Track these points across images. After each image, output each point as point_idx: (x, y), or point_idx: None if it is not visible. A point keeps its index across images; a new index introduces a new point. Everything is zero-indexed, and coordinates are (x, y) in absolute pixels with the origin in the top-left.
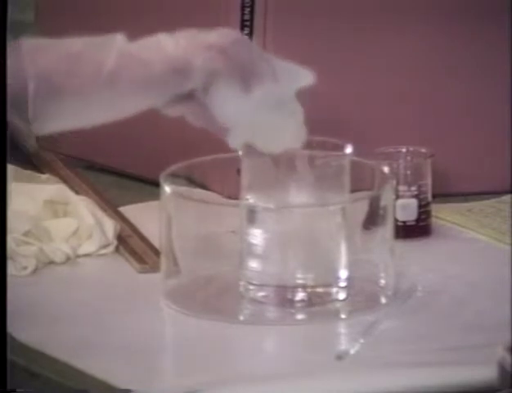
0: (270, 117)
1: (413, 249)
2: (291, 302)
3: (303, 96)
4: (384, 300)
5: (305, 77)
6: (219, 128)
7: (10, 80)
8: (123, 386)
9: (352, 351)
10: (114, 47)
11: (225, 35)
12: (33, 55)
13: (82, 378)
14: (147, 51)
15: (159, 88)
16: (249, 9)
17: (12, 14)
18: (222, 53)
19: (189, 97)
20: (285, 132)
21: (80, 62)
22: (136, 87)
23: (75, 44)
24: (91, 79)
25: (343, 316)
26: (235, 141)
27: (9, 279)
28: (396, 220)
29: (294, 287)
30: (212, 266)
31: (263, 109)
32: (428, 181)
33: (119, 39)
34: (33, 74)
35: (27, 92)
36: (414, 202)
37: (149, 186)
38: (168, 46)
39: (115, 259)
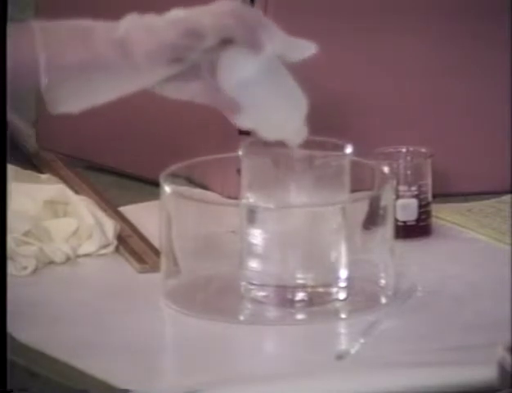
0: (277, 102)
1: (413, 249)
2: (291, 302)
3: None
4: (384, 300)
5: (308, 47)
6: (227, 105)
7: (21, 59)
8: (123, 386)
9: (352, 351)
10: (125, 19)
11: (228, 3)
12: (45, 32)
13: (82, 378)
14: (158, 19)
15: (173, 53)
16: None
17: (12, 14)
18: (231, 14)
19: (196, 74)
20: (289, 123)
21: (92, 35)
22: (148, 54)
23: (87, 22)
24: (103, 51)
25: (343, 316)
26: (243, 121)
27: (9, 279)
28: (396, 220)
29: (294, 287)
30: (212, 266)
31: (271, 74)
32: (429, 181)
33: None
34: (44, 48)
35: (38, 67)
36: (414, 202)
37: (149, 186)
38: (179, 12)
39: (115, 259)
